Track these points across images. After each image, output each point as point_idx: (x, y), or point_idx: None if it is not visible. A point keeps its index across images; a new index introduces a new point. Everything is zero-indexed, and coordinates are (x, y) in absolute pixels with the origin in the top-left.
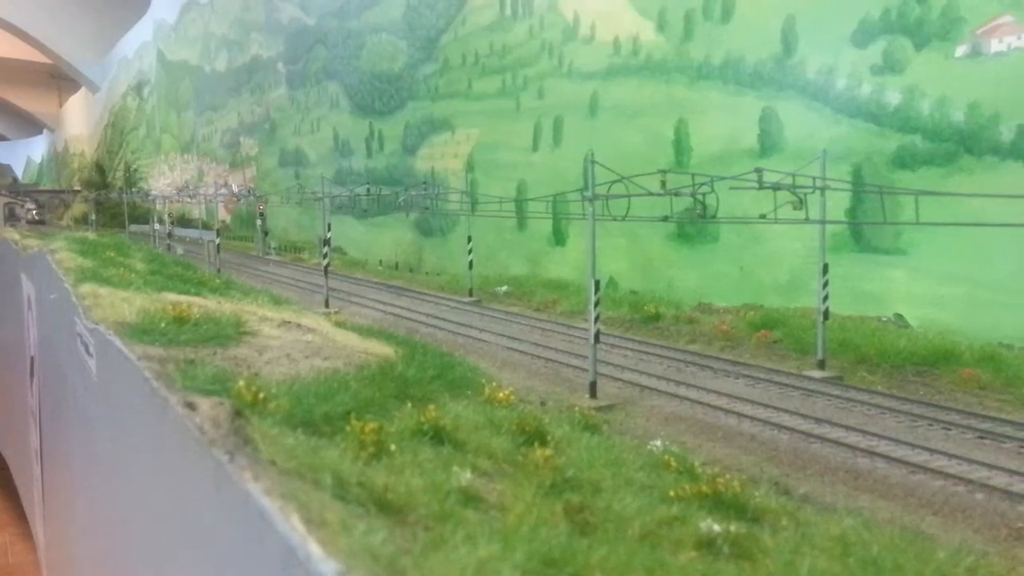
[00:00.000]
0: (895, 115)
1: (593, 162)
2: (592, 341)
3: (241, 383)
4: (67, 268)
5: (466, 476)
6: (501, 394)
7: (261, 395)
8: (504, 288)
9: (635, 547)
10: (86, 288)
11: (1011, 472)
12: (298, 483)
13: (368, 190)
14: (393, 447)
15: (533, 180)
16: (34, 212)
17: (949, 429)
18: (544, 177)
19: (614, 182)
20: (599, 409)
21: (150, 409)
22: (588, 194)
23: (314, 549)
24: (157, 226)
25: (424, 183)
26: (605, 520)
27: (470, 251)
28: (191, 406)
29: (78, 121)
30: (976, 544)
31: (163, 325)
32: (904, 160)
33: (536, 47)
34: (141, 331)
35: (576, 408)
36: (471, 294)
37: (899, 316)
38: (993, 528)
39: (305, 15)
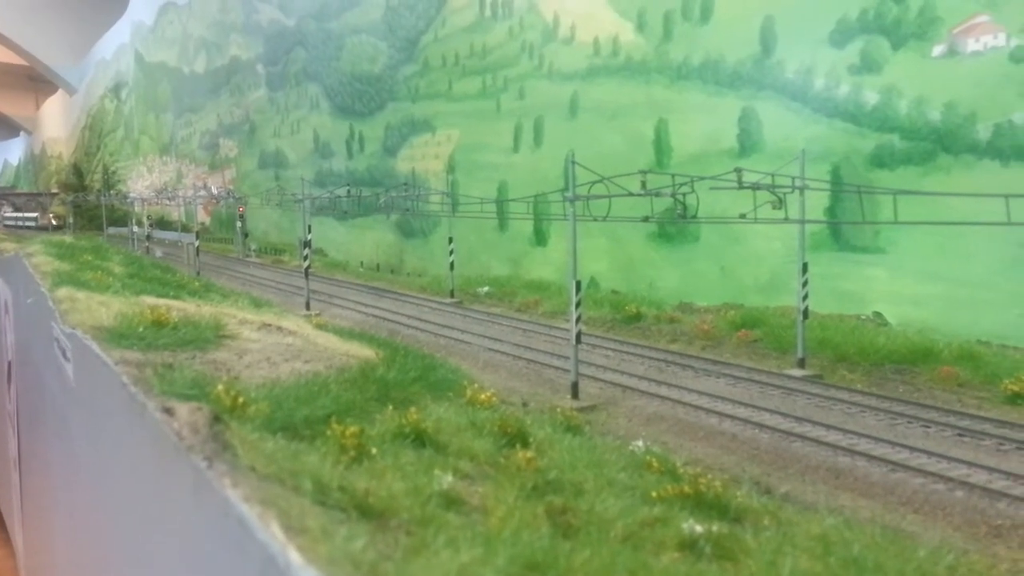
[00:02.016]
0: (873, 114)
1: (574, 163)
2: (574, 342)
3: (220, 387)
4: (44, 272)
5: (448, 479)
6: (483, 396)
7: (240, 399)
8: (485, 289)
9: (618, 549)
10: (63, 292)
11: (990, 469)
12: (278, 489)
13: (349, 191)
14: (374, 450)
15: (514, 181)
16: (51, 218)
17: (928, 427)
18: (525, 178)
19: (595, 182)
20: (581, 410)
21: (128, 414)
22: (569, 195)
23: (294, 557)
24: (136, 229)
25: (405, 184)
26: (588, 522)
27: (451, 252)
28: (169, 411)
29: (55, 123)
30: (956, 542)
31: (141, 329)
32: (882, 159)
33: (516, 48)
34: (119, 335)
35: (558, 409)
36: (452, 295)
37: (878, 314)
38: (973, 526)
39: (284, 16)
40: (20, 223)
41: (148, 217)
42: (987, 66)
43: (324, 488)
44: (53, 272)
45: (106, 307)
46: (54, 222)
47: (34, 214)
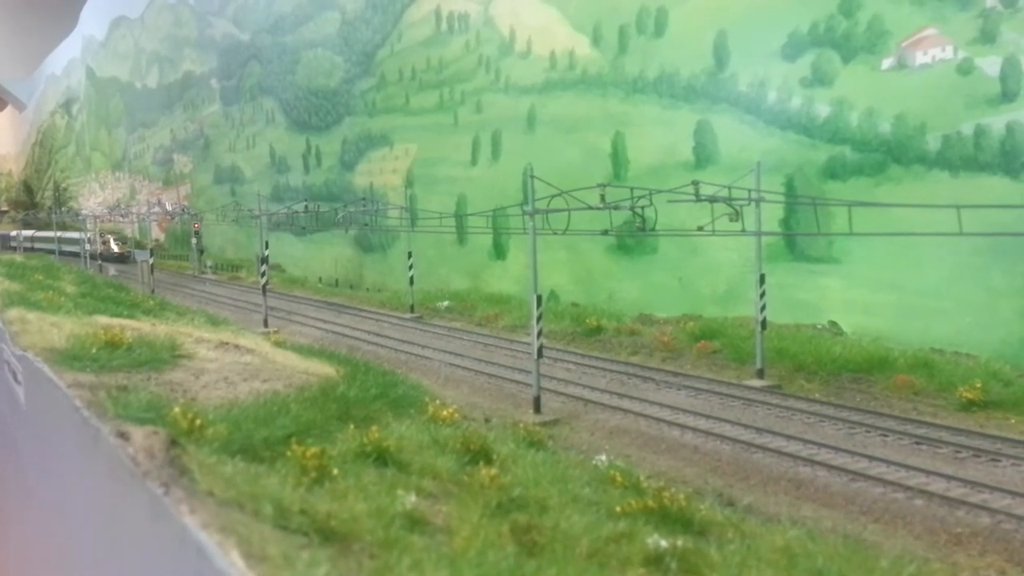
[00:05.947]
0: (825, 127)
1: (532, 176)
2: (535, 356)
3: (177, 410)
4: None
5: (411, 499)
6: (445, 412)
7: (198, 422)
8: (445, 303)
9: (583, 566)
10: (13, 313)
11: (948, 477)
12: (237, 514)
13: (306, 207)
14: (336, 471)
15: (473, 194)
16: (113, 241)
17: (886, 436)
18: (484, 191)
19: (554, 196)
20: (544, 424)
21: (81, 439)
22: (528, 208)
23: None
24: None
25: (363, 199)
26: (553, 539)
27: (411, 267)
28: (124, 436)
29: (4, 140)
30: (917, 550)
31: (94, 350)
32: (834, 170)
33: (473, 62)
34: (71, 357)
35: (521, 424)
36: (412, 310)
37: (834, 323)
38: (933, 534)
39: (239, 31)
40: (65, 249)
41: (101, 234)
42: (936, 78)
43: (285, 512)
44: (3, 292)
45: (58, 328)
46: (116, 249)
47: (76, 235)
